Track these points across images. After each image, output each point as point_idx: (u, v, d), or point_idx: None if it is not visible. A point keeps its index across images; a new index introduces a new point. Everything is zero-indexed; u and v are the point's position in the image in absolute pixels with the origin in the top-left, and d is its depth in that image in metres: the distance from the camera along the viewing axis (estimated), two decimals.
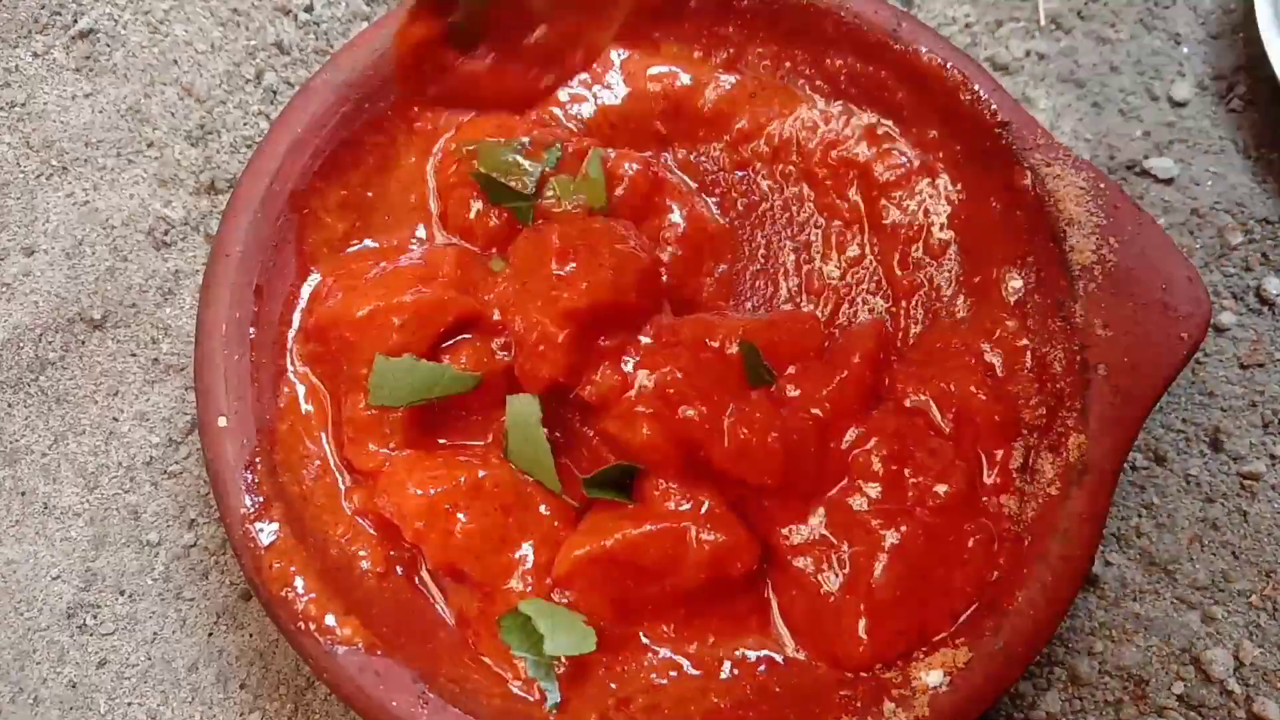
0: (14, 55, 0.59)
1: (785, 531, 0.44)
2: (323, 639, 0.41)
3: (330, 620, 0.41)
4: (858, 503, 0.44)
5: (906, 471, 0.44)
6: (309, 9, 0.60)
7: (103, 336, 0.54)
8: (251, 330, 0.45)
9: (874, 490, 0.44)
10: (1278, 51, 0.54)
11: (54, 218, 0.56)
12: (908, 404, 0.46)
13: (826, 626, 0.43)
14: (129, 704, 0.48)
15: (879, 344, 0.47)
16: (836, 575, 0.43)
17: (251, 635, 0.49)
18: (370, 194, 0.50)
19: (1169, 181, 0.56)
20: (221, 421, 0.43)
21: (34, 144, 0.57)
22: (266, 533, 0.42)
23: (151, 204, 0.56)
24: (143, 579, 0.50)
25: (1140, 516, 0.51)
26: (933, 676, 0.40)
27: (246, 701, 0.48)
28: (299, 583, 0.41)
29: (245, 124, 0.58)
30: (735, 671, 0.43)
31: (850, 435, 0.45)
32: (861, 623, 0.42)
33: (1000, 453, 0.45)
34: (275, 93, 0.58)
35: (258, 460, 0.43)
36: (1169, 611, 0.49)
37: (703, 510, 0.43)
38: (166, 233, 0.56)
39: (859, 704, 0.41)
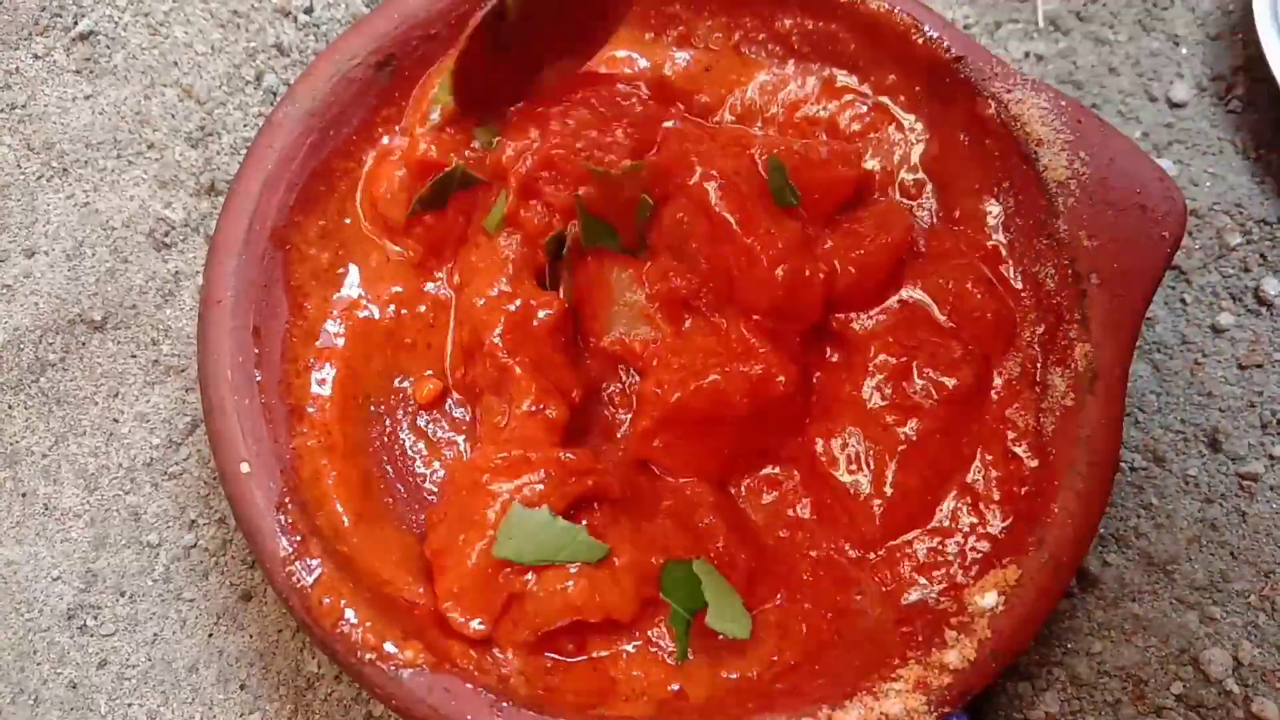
0: (14, 57, 0.59)
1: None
2: (386, 666, 0.40)
3: (390, 646, 0.40)
4: (873, 399, 0.46)
5: (916, 363, 0.46)
6: (309, 10, 0.60)
7: (103, 338, 0.54)
8: (257, 373, 0.45)
9: (886, 384, 0.46)
10: (1276, 52, 0.54)
11: (54, 219, 0.56)
12: (906, 296, 0.47)
13: (849, 511, 0.46)
14: (129, 704, 0.48)
15: (906, 231, 0.48)
16: (857, 472, 0.46)
17: (251, 636, 0.49)
18: (348, 220, 0.50)
19: None
20: (244, 468, 0.43)
21: (34, 146, 0.57)
22: (310, 571, 0.41)
23: (152, 205, 0.56)
24: (143, 580, 0.50)
25: (1139, 517, 0.51)
26: (988, 599, 0.41)
27: (247, 702, 0.48)
28: (351, 614, 0.40)
29: (245, 125, 0.58)
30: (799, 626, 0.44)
31: (861, 323, 0.48)
32: (879, 509, 0.45)
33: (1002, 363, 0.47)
34: (275, 94, 0.58)
35: (288, 500, 0.43)
36: (1168, 612, 0.49)
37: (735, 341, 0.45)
38: (167, 234, 0.56)
39: (920, 638, 0.41)
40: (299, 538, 0.42)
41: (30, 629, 0.50)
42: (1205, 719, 0.47)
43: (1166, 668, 0.48)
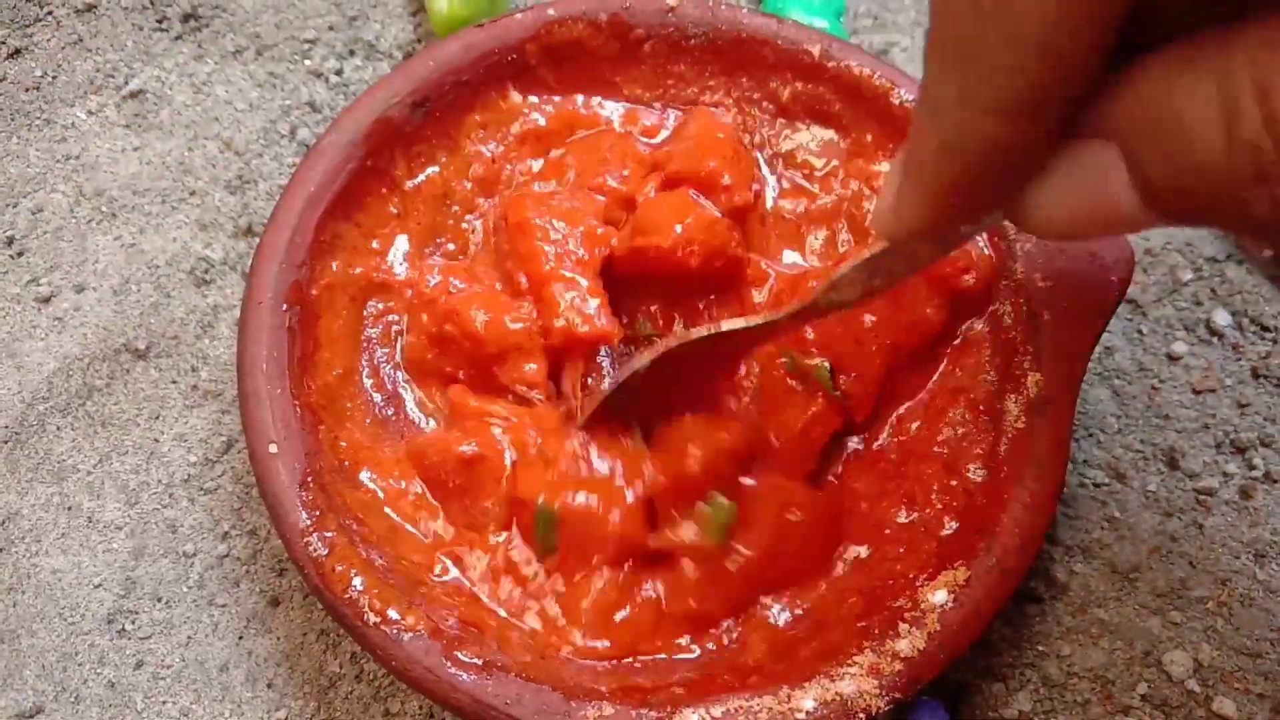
0: (71, 113, 0.64)
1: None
2: (390, 630, 0.43)
3: (394, 613, 0.44)
4: None
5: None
6: (339, 72, 0.66)
7: (146, 365, 0.59)
8: (289, 368, 0.49)
9: None
10: None
11: (103, 258, 0.61)
12: None
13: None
14: (164, 702, 0.52)
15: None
16: None
17: (279, 639, 0.53)
18: (376, 244, 0.55)
19: None
20: (272, 448, 0.47)
21: (86, 192, 0.62)
22: (325, 543, 0.45)
23: (193, 246, 0.61)
24: (179, 587, 0.54)
25: (1103, 529, 0.54)
26: (938, 596, 0.45)
27: (274, 700, 0.52)
28: (359, 581, 0.44)
29: (280, 174, 0.63)
30: (753, 630, 0.48)
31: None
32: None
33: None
34: (308, 146, 0.64)
35: (310, 479, 0.47)
36: (1132, 617, 0.53)
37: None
38: (206, 272, 0.61)
39: (876, 631, 0.45)
40: (318, 512, 0.46)
41: (72, 632, 0.53)
42: (1170, 717, 0.51)
43: (1132, 669, 0.52)
